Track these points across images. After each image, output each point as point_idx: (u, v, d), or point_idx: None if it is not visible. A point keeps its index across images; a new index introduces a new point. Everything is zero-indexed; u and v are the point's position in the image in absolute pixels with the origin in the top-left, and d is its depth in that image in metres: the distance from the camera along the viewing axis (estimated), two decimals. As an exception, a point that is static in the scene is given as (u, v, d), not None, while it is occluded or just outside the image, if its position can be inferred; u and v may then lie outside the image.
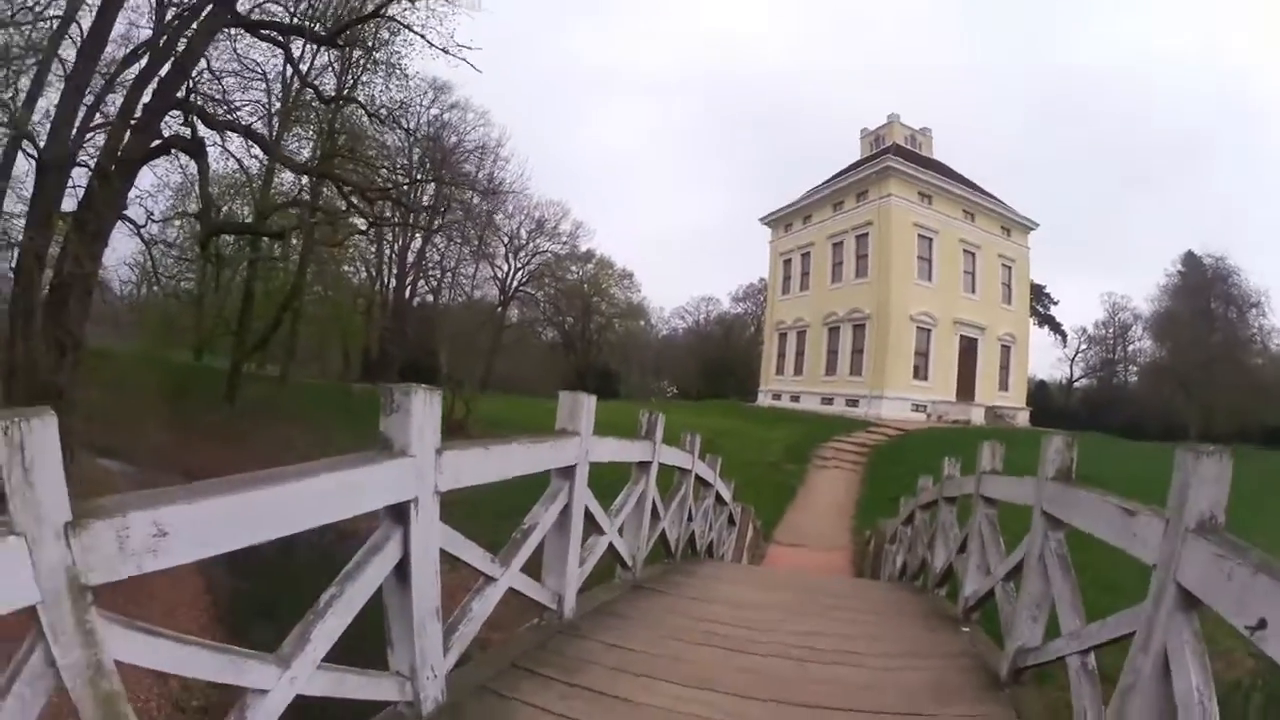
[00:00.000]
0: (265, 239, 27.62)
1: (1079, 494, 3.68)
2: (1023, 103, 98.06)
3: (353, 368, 41.95)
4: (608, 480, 5.34)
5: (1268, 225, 71.88)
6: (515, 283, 54.76)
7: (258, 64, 24.72)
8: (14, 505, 1.67)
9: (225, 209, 30.22)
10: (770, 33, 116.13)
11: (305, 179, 28.81)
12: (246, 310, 29.10)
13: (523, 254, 53.89)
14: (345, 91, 27.04)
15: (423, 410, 2.91)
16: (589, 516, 4.97)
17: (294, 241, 30.13)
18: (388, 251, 42.68)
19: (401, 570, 2.94)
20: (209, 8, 18.45)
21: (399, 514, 2.88)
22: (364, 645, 2.88)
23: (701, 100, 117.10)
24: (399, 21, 22.56)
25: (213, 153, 22.25)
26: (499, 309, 52.81)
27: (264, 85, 26.32)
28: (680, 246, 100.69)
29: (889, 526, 12.10)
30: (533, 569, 4.33)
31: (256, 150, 24.75)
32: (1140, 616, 2.68)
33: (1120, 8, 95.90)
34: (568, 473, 4.50)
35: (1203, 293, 49.50)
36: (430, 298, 51.82)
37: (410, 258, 46.24)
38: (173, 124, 19.99)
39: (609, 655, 4.20)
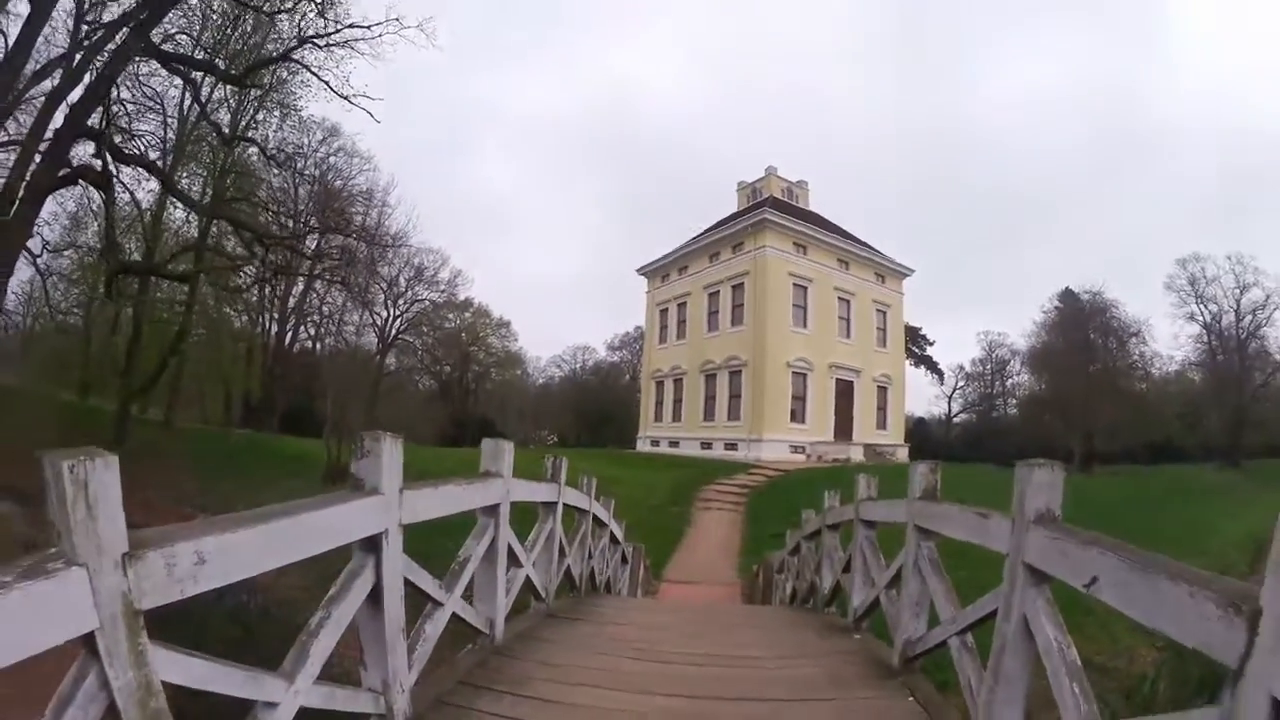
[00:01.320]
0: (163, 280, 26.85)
1: (943, 507, 4.44)
2: (902, 152, 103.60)
3: (234, 413, 40.65)
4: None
5: (1143, 263, 77.68)
6: (394, 330, 54.27)
7: (156, 94, 24.13)
8: (77, 538, 1.81)
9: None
10: (651, 86, 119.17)
11: (195, 218, 28.19)
12: (134, 350, 27.95)
13: (402, 301, 53.47)
14: (240, 130, 26.67)
15: (390, 454, 3.33)
16: (510, 551, 5.40)
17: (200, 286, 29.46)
18: (268, 296, 41.57)
19: (375, 595, 3.29)
20: (125, 33, 18.09)
21: (372, 544, 3.25)
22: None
23: (580, 151, 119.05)
24: (307, 68, 22.59)
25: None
26: (378, 356, 52.12)
27: (160, 117, 25.66)
28: (557, 295, 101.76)
29: (776, 558, 12.72)
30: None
31: (149, 183, 24.34)
32: (1001, 595, 3.32)
33: (998, 56, 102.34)
34: (493, 510, 4.95)
35: (1081, 325, 52.14)
36: (310, 344, 50.88)
37: (291, 303, 45.20)
38: (80, 153, 19.53)
39: (543, 670, 4.65)
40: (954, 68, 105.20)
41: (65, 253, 27.98)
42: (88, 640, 1.88)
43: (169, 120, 26.51)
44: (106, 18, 19.29)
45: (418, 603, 3.87)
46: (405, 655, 3.58)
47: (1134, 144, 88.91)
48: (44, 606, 1.72)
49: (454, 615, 4.31)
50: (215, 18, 22.80)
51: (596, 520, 9.12)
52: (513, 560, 5.54)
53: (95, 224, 31.15)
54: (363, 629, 3.34)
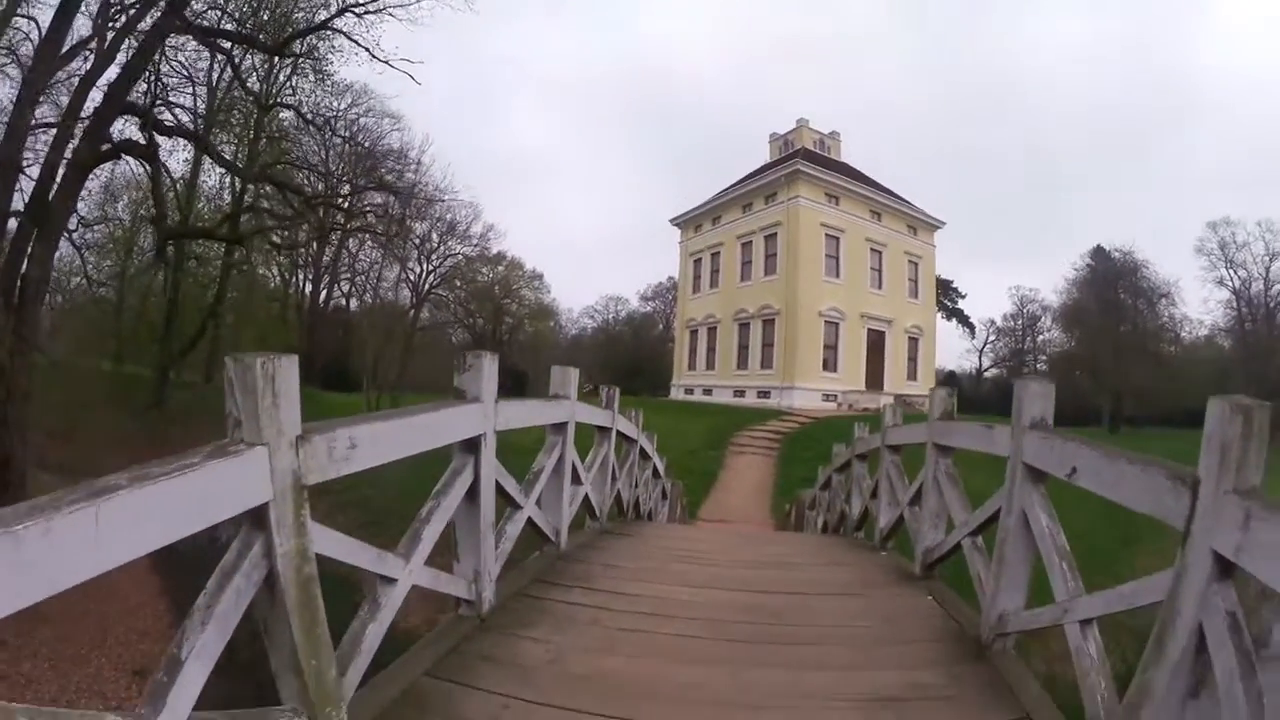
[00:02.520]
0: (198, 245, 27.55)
1: (957, 425, 5.13)
2: (937, 104, 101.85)
3: None
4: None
5: (1174, 224, 76.43)
6: (428, 285, 54.87)
7: (185, 66, 24.34)
8: (263, 422, 2.16)
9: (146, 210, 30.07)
10: (685, 39, 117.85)
11: (229, 184, 28.84)
12: (172, 315, 28.82)
13: (435, 256, 53.87)
14: (272, 97, 27.07)
15: (488, 370, 3.94)
16: (573, 468, 6.06)
17: (255, 248, 30.17)
18: (302, 255, 42.25)
19: (472, 491, 3.90)
20: (159, 12, 18.37)
21: (472, 446, 3.86)
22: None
23: (614, 103, 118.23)
24: (346, 35, 22.58)
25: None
26: (412, 311, 52.86)
27: (190, 88, 25.93)
28: (590, 247, 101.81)
29: (807, 495, 13.37)
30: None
31: (182, 154, 24.92)
32: (1003, 494, 3.91)
33: (1034, 9, 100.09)
34: (561, 429, 5.63)
35: (1111, 284, 51.50)
36: (344, 301, 51.67)
37: (325, 261, 45.91)
38: (120, 128, 19.88)
39: (605, 570, 5.36)
40: (991, 18, 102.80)
41: (96, 226, 28.46)
42: (258, 513, 2.21)
43: (198, 91, 26.86)
44: None
45: (499, 510, 4.48)
46: (493, 548, 4.22)
47: (1170, 104, 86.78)
48: (228, 480, 2.09)
49: (529, 520, 4.95)
50: None
51: (642, 452, 9.79)
52: (574, 478, 6.17)
53: (126, 196, 32.08)
54: (459, 523, 3.91)
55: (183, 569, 13.68)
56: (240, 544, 2.21)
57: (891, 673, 3.60)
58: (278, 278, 41.18)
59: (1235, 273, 47.32)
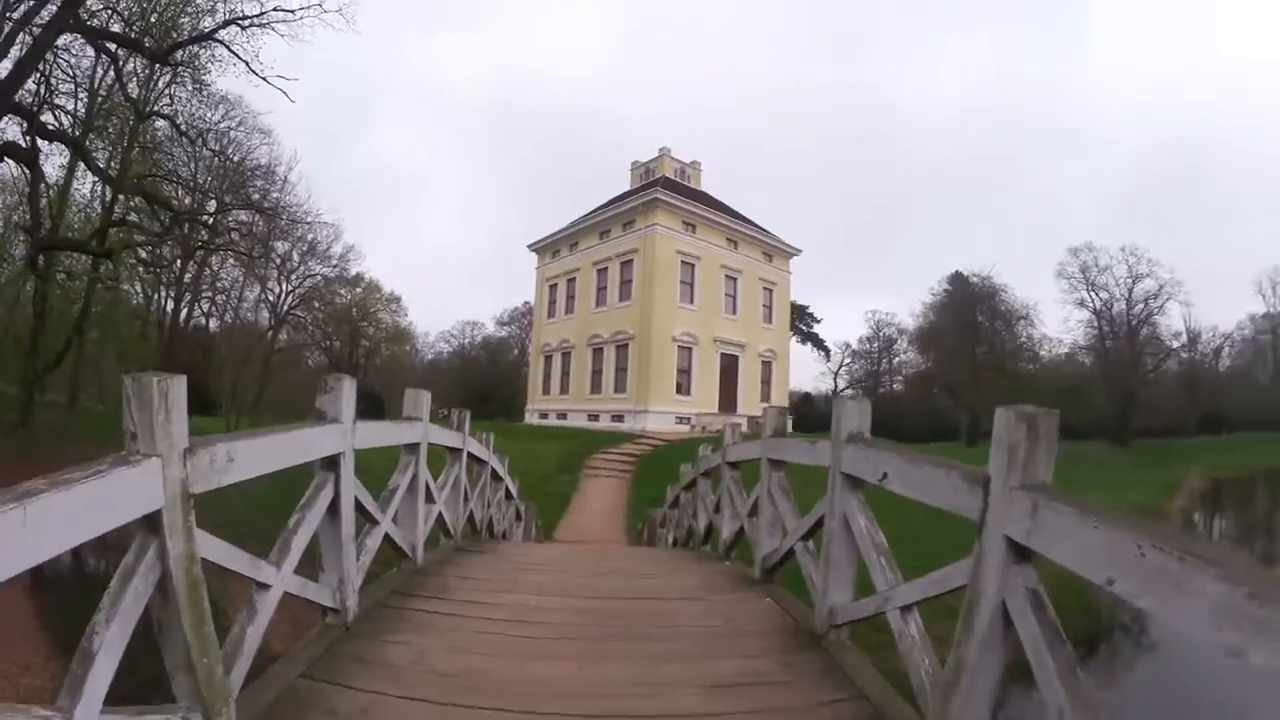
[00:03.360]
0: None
1: (787, 440, 5.67)
2: (800, 137, 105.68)
3: None
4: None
5: (1029, 246, 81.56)
6: (286, 306, 53.29)
7: (70, 67, 23.32)
8: (157, 435, 2.40)
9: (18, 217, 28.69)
10: (551, 67, 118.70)
11: (99, 194, 27.63)
12: (38, 330, 27.00)
13: (294, 277, 52.37)
14: (150, 105, 26.05)
15: (347, 391, 4.13)
16: (427, 488, 6.23)
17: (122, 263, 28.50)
18: (164, 273, 40.23)
19: (334, 506, 4.06)
20: (55, 6, 17.78)
21: (332, 463, 4.02)
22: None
23: (477, 130, 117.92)
24: (228, 46, 22.39)
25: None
26: (270, 332, 51.20)
27: (72, 90, 24.79)
28: (447, 272, 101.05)
29: (658, 514, 13.74)
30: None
31: (56, 158, 23.99)
32: (827, 501, 4.31)
33: (899, 42, 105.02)
34: (414, 449, 5.86)
35: (969, 307, 54.74)
36: (204, 320, 49.75)
37: (186, 279, 43.90)
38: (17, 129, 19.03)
39: (462, 582, 5.53)
40: (856, 55, 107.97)
41: None
42: (152, 519, 2.44)
43: (79, 94, 25.71)
44: None
45: (359, 525, 4.62)
46: (355, 560, 4.37)
47: (1030, 138, 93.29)
48: (128, 488, 2.32)
49: (386, 535, 5.09)
50: None
51: (494, 474, 9.94)
52: (429, 497, 6.33)
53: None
54: (323, 537, 4.07)
55: (59, 597, 13.01)
56: (137, 547, 2.44)
57: (732, 662, 3.94)
58: (140, 295, 39.08)
59: (1097, 294, 51.14)
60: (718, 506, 7.99)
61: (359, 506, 4.45)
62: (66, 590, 11.95)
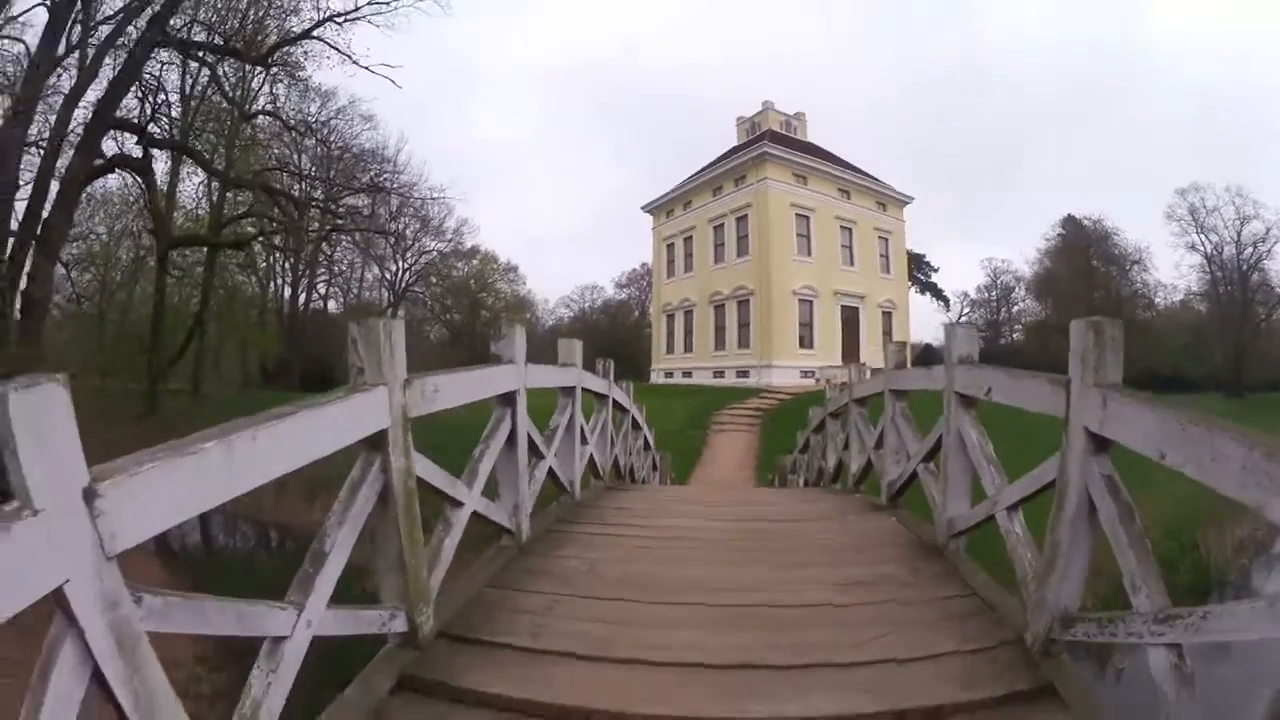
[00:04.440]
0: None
1: (906, 372, 6.13)
2: (907, 81, 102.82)
3: (252, 378, 41.57)
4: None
5: (1142, 190, 78.01)
6: (404, 283, 55.14)
7: (155, 78, 24.25)
8: (384, 368, 2.97)
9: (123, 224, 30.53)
10: (648, 24, 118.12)
11: (206, 193, 29.17)
12: (159, 326, 29.04)
13: (410, 254, 54.10)
14: (249, 103, 27.26)
15: (519, 337, 4.81)
16: (581, 429, 6.90)
17: (257, 247, 30.70)
18: (279, 259, 42.36)
19: (511, 438, 4.76)
20: (143, 26, 18.88)
21: (509, 399, 4.72)
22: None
23: (581, 94, 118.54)
24: (329, 44, 23.15)
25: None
26: (389, 309, 53.15)
27: (164, 99, 25.72)
28: (563, 238, 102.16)
29: (788, 460, 14.23)
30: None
31: (159, 164, 24.94)
32: (943, 420, 4.80)
33: None
34: (570, 392, 6.55)
35: (1083, 252, 52.67)
36: (322, 304, 51.87)
37: (302, 266, 45.97)
38: (110, 143, 20.30)
39: (616, 512, 6.28)
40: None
41: (74, 242, 28.55)
42: (377, 439, 2.95)
43: (172, 102, 26.68)
44: (105, 10, 19.93)
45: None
46: (528, 487, 5.07)
47: (1134, 69, 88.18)
48: (364, 409, 2.89)
49: (550, 469, 5.80)
50: (217, 4, 23.28)
51: (634, 422, 10.61)
52: (582, 438, 7.00)
53: (104, 210, 31.94)
54: (500, 465, 4.71)
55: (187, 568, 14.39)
56: (363, 463, 2.97)
57: (860, 569, 4.50)
58: (255, 284, 41.21)
59: (1207, 238, 47.96)
60: (846, 444, 8.50)
61: (529, 441, 5.13)
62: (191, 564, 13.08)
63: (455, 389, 3.81)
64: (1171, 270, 54.21)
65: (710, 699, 2.86)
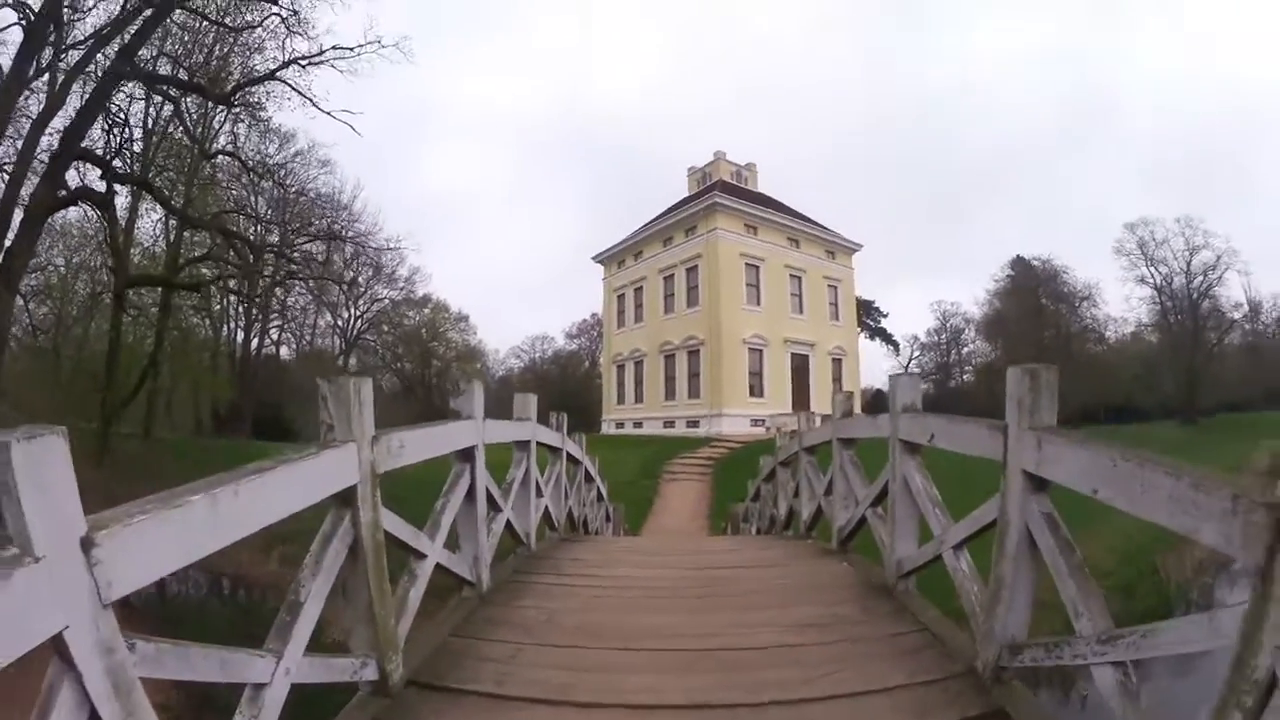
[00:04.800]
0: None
1: (853, 420, 6.32)
2: (851, 130, 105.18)
3: (204, 423, 40.74)
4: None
5: (1090, 230, 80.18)
6: (355, 330, 54.78)
7: (120, 110, 23.84)
8: (353, 427, 3.08)
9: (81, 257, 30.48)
10: (600, 79, 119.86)
11: (163, 232, 29.00)
12: (113, 365, 28.32)
13: (362, 301, 53.67)
14: (209, 142, 27.14)
15: (478, 393, 4.92)
16: (536, 482, 6.98)
17: (213, 290, 30.30)
18: (233, 303, 41.77)
19: (470, 492, 4.84)
20: (112, 56, 18.73)
21: (468, 455, 4.80)
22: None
23: (534, 147, 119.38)
24: (292, 86, 23.11)
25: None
26: (340, 357, 52.81)
27: (125, 132, 25.11)
28: (513, 288, 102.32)
29: (740, 508, 14.36)
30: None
31: (122, 199, 24.65)
32: (889, 468, 4.98)
33: (944, 26, 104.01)
34: (525, 446, 6.65)
35: (1032, 292, 53.72)
36: (274, 349, 51.20)
37: (254, 310, 45.30)
38: (71, 173, 19.99)
39: (572, 563, 6.36)
40: (902, 41, 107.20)
41: (33, 273, 27.96)
42: (347, 494, 3.05)
43: (133, 136, 26.14)
44: (76, 36, 19.82)
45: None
46: (487, 539, 5.14)
47: (1080, 113, 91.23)
48: (334, 466, 3.01)
49: (508, 521, 5.86)
50: (182, 35, 23.28)
51: (587, 474, 10.68)
52: (538, 491, 7.11)
53: (62, 242, 31.56)
54: (460, 518, 4.79)
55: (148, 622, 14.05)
56: (334, 516, 3.07)
57: (814, 609, 4.63)
58: (208, 327, 40.64)
59: (1156, 269, 48.88)
60: (796, 491, 8.67)
61: (487, 495, 5.20)
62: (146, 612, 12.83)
63: (419, 445, 3.91)
64: (1121, 304, 55.49)
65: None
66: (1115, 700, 2.47)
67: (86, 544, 1.67)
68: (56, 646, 1.61)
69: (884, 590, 4.94)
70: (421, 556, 4.04)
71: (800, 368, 40.92)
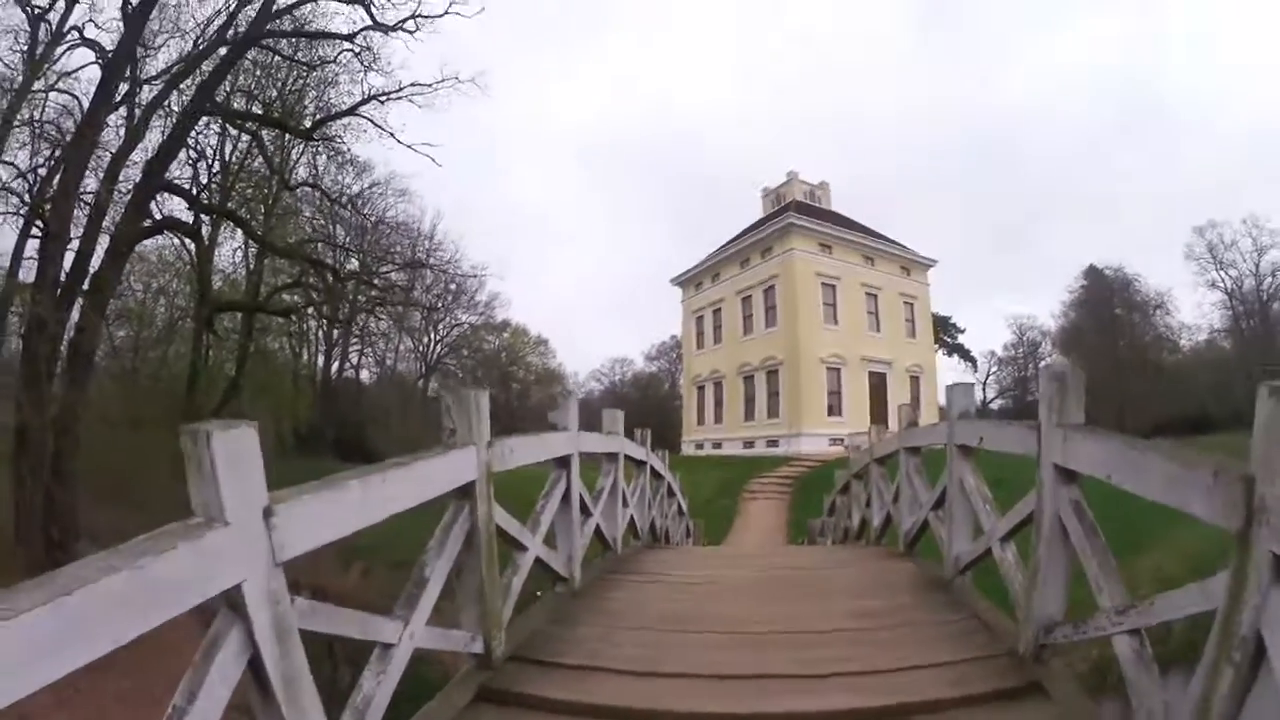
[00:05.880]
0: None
1: (915, 430, 6.77)
2: (925, 146, 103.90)
3: (285, 443, 41.63)
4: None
5: (1160, 235, 77.72)
6: (435, 354, 55.63)
7: (201, 143, 24.95)
8: (474, 432, 3.66)
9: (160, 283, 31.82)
10: (674, 104, 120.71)
11: (243, 259, 30.17)
12: (194, 386, 29.42)
13: (441, 326, 54.71)
14: (288, 173, 27.63)
15: (573, 408, 5.49)
16: (623, 492, 7.52)
17: (294, 318, 31.32)
18: (313, 327, 42.96)
19: (566, 496, 5.40)
20: (191, 93, 19.68)
21: (564, 462, 5.36)
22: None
23: (609, 174, 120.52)
24: (371, 121, 23.75)
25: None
26: (419, 380, 54.06)
27: (203, 163, 26.33)
28: (592, 312, 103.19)
29: (817, 523, 14.69)
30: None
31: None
32: (947, 471, 5.40)
33: (1016, 40, 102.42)
34: (614, 458, 7.20)
35: (1107, 302, 52.27)
36: (354, 373, 52.20)
37: (335, 334, 46.53)
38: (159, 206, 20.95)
39: (658, 564, 6.97)
40: (973, 57, 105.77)
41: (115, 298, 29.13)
42: (466, 489, 3.57)
43: (213, 166, 27.31)
44: (149, 71, 20.77)
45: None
46: (580, 539, 5.70)
47: (1147, 115, 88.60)
48: (457, 464, 3.58)
49: (596, 526, 6.41)
50: (254, 70, 23.95)
51: (669, 489, 11.19)
52: (624, 501, 7.61)
53: (141, 267, 31.86)
54: (557, 520, 5.34)
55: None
56: (454, 510, 3.61)
57: (877, 601, 5.09)
58: (289, 350, 41.77)
59: (1226, 273, 46.94)
60: (868, 501, 9.07)
61: (580, 500, 5.76)
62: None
63: (527, 450, 4.50)
64: (1194, 310, 53.33)
65: (741, 700, 3.46)
66: (1132, 668, 2.85)
67: (267, 513, 2.11)
68: (228, 599, 2.00)
69: (941, 584, 5.37)
70: (524, 549, 4.59)
71: (878, 385, 40.54)
